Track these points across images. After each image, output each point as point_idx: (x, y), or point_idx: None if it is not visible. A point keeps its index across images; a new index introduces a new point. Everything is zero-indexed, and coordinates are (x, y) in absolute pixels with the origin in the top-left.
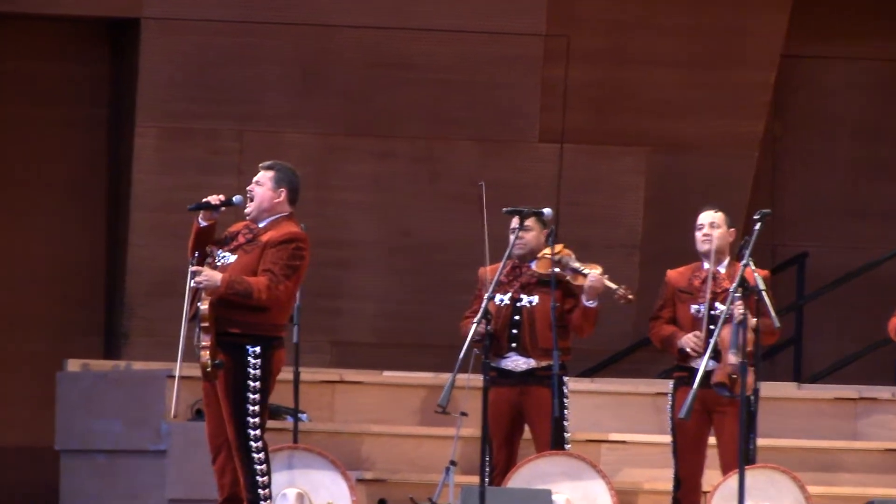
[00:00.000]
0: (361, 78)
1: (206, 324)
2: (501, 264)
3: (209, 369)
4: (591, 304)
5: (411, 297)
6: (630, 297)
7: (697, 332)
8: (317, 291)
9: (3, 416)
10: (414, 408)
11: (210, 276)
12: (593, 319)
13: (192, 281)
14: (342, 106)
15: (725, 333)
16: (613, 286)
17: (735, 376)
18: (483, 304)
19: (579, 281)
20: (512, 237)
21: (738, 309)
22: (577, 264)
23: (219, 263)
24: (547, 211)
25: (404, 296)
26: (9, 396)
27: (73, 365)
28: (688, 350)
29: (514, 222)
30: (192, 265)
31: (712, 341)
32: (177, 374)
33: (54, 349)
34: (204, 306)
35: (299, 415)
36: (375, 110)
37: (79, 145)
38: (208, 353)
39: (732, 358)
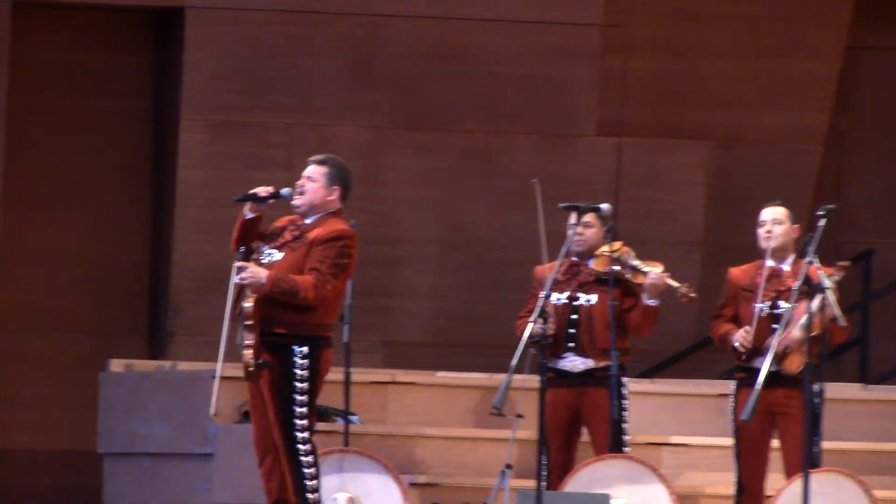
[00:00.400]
0: (414, 70)
1: (251, 322)
2: (558, 262)
3: (252, 369)
4: (652, 302)
5: (465, 296)
6: (692, 294)
7: (747, 328)
8: (368, 290)
9: (45, 418)
10: (468, 409)
11: (255, 272)
12: (653, 319)
13: (237, 277)
14: (394, 99)
15: (800, 310)
16: (675, 284)
17: (790, 351)
18: (539, 303)
19: (639, 279)
20: (569, 234)
21: (829, 294)
22: (637, 262)
23: (264, 261)
24: (605, 206)
25: (458, 294)
26: (51, 398)
27: (117, 365)
28: (735, 345)
29: (572, 218)
30: (238, 260)
31: (775, 341)
32: (217, 372)
33: (97, 349)
34: (248, 304)
35: (350, 417)
36: (428, 103)
37: (121, 138)
38: (251, 352)
39: (796, 333)
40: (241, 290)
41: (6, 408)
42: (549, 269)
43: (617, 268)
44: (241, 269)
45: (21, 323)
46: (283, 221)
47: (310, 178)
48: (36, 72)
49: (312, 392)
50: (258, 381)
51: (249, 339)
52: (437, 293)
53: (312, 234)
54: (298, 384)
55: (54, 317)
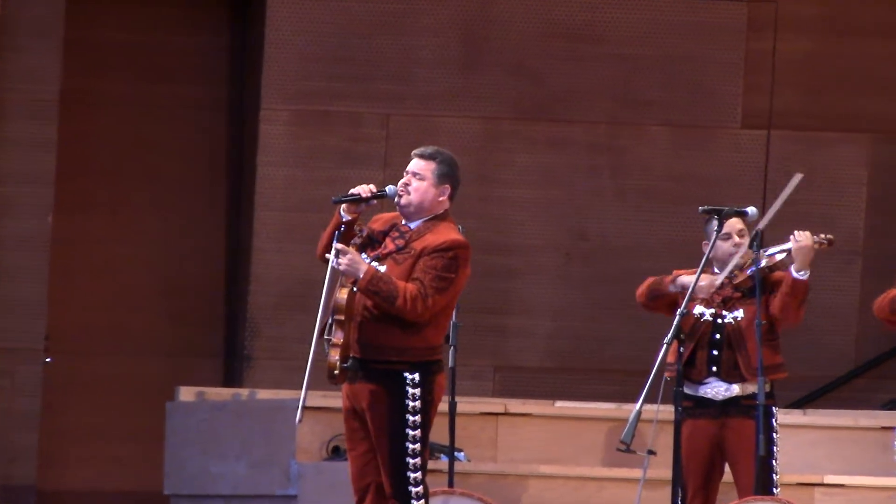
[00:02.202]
0: (533, 51)
1: (342, 317)
2: (698, 272)
3: (337, 371)
4: (801, 275)
5: (590, 313)
6: (829, 237)
7: None
8: (477, 306)
9: (104, 453)
10: (592, 445)
11: (354, 261)
12: (801, 296)
13: (334, 260)
14: (509, 85)
15: None
16: (817, 237)
17: None
18: (675, 321)
19: (780, 257)
20: (724, 245)
21: None
22: (771, 248)
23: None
24: (751, 210)
25: (582, 311)
26: (111, 430)
27: (186, 393)
28: None
29: (713, 224)
30: (337, 241)
31: None
32: (306, 375)
33: (164, 374)
34: (341, 296)
35: (456, 453)
36: (549, 90)
37: (193, 132)
38: (339, 352)
39: None
40: (336, 278)
41: (60, 441)
42: (691, 276)
43: (763, 262)
44: (339, 253)
45: (77, 343)
46: (380, 223)
47: (417, 176)
48: (94, 56)
49: (426, 425)
50: (340, 385)
51: (337, 338)
52: (558, 310)
53: (421, 244)
54: (411, 417)
55: (115, 336)
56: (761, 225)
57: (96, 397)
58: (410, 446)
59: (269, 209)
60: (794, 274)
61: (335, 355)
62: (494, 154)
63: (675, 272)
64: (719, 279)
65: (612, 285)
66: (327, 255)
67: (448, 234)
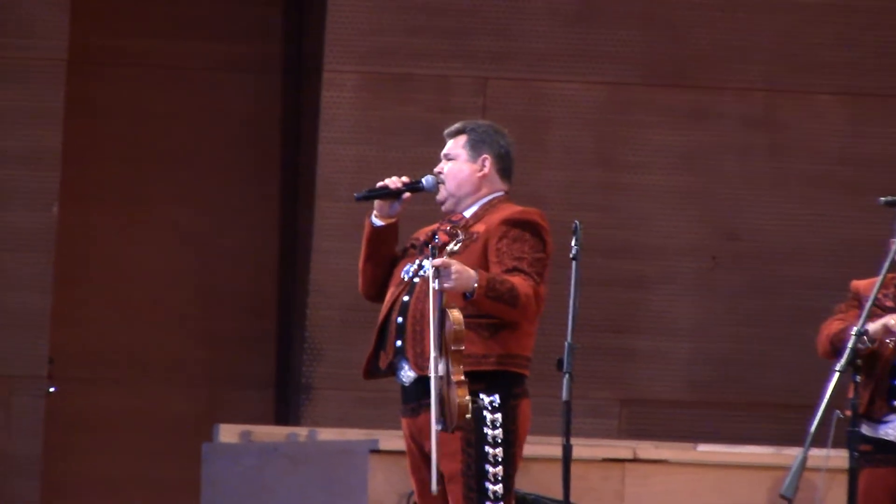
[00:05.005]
0: (669, 1)
1: (463, 346)
2: (880, 278)
3: (469, 416)
4: None
5: (740, 333)
6: None
7: None
8: (599, 323)
9: None
10: (744, 500)
11: (463, 271)
12: None
13: (435, 282)
14: (640, 42)
15: None
16: None
17: None
18: (850, 343)
19: None
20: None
21: None
22: None
23: (417, 278)
24: None
25: (730, 330)
26: (133, 479)
27: (228, 433)
28: None
29: None
30: (431, 256)
31: None
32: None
33: (200, 409)
34: (458, 322)
35: None
36: (690, 49)
37: (237, 100)
38: (466, 389)
39: None
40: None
41: (66, 491)
42: (872, 286)
43: None
44: (441, 273)
45: (93, 370)
46: (425, 233)
47: (448, 157)
48: (110, 6)
49: (509, 462)
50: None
51: (461, 374)
52: (700, 329)
53: (483, 226)
54: (490, 450)
55: (136, 361)
56: None
57: (112, 437)
58: (491, 489)
59: (333, 199)
60: None
61: (464, 396)
62: (621, 129)
63: (852, 284)
64: None
65: (769, 297)
66: (422, 276)
67: (513, 207)
